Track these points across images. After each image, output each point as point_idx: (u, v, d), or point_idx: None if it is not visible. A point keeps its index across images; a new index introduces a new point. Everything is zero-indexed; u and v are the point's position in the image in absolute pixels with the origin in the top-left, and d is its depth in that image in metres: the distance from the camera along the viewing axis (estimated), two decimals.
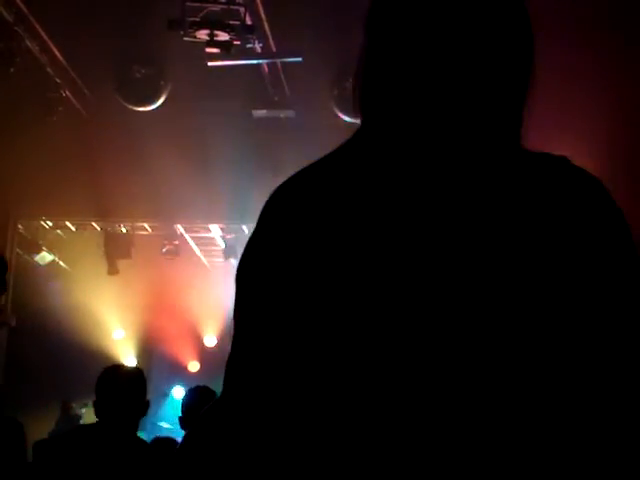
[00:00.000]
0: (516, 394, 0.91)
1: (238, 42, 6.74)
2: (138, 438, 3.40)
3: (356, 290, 0.94)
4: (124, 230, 10.45)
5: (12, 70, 7.31)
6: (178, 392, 12.10)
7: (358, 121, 1.07)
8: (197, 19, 6.63)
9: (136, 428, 3.37)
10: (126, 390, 3.31)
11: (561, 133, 6.93)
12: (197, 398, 4.08)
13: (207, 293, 10.89)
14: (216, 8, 6.68)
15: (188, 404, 4.14)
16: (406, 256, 0.94)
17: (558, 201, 0.96)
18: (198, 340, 12.13)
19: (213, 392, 4.13)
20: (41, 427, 8.27)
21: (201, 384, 4.35)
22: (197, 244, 11.15)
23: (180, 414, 4.24)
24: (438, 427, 0.90)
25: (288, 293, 0.98)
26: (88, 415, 9.00)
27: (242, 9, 6.66)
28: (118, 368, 3.64)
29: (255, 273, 1.02)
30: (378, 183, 0.99)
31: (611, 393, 0.92)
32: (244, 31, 6.69)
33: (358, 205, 0.98)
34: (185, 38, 6.69)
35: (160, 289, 10.95)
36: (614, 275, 0.95)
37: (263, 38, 7.14)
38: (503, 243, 0.94)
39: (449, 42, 0.99)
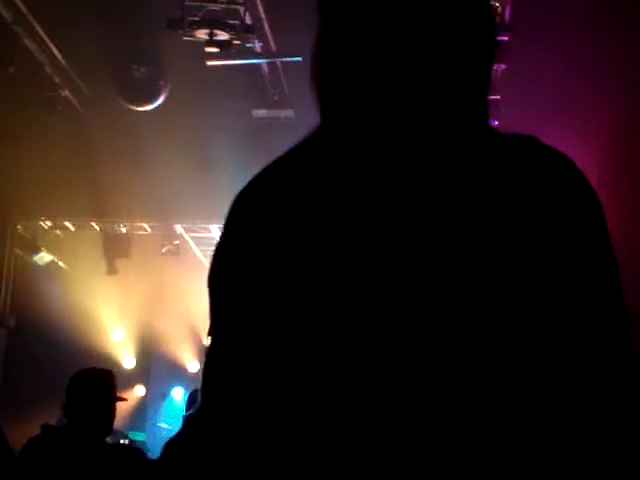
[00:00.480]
0: (494, 389, 0.89)
1: (238, 41, 6.74)
2: (104, 442, 3.40)
3: (330, 291, 0.92)
4: (123, 230, 10.43)
5: (11, 70, 7.31)
6: (178, 393, 12.10)
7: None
8: (196, 18, 6.63)
9: (107, 431, 3.37)
10: (94, 394, 3.34)
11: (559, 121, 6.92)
12: None
13: (207, 293, 10.84)
14: (216, 7, 6.68)
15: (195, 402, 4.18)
16: (378, 252, 0.91)
17: (528, 183, 0.93)
18: (198, 340, 12.11)
19: None
20: None
21: None
22: (197, 244, 11.14)
23: (184, 413, 4.29)
24: (418, 426, 0.88)
25: (259, 297, 0.96)
26: None
27: (242, 8, 6.65)
28: (88, 372, 3.61)
29: (225, 279, 1.01)
30: (344, 177, 0.96)
31: (595, 386, 0.91)
32: (244, 30, 6.69)
33: (324, 201, 0.95)
34: (184, 37, 6.69)
35: (160, 289, 10.94)
36: (589, 262, 0.93)
37: (263, 38, 7.13)
38: (473, 230, 0.91)
39: (406, 27, 0.97)
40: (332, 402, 0.90)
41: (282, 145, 1.04)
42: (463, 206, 0.92)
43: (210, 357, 1.01)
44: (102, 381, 3.47)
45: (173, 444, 2.97)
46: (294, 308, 0.93)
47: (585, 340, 0.91)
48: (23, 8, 7.06)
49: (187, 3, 6.57)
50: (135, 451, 3.48)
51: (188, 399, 4.56)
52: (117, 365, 10.78)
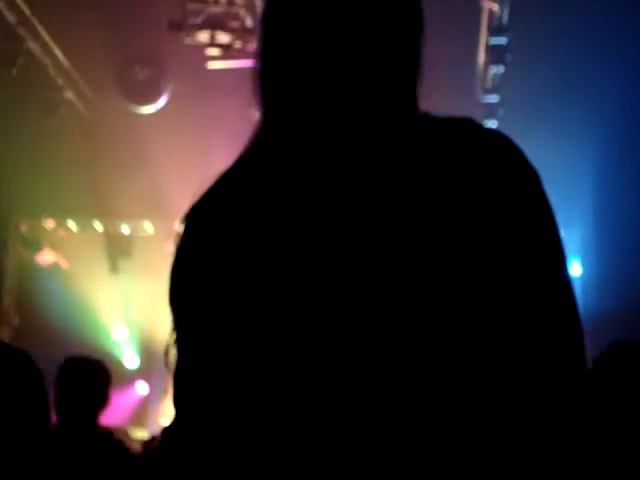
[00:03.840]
0: (419, 386, 0.88)
1: (239, 43, 6.77)
2: (99, 433, 3.19)
3: (278, 291, 0.92)
4: (126, 230, 10.48)
5: (14, 71, 7.35)
6: None
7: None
8: (198, 21, 6.67)
9: (94, 422, 3.16)
10: (85, 384, 3.13)
11: None
12: None
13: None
14: (217, 10, 6.71)
15: None
16: (319, 250, 0.92)
17: (463, 163, 0.91)
18: None
19: None
20: None
21: None
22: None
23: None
24: (362, 422, 0.88)
25: (215, 306, 0.98)
26: None
27: (242, 10, 6.69)
28: (78, 361, 3.31)
29: (183, 294, 1.04)
30: (286, 179, 0.98)
31: (527, 386, 0.89)
32: (245, 32, 6.72)
33: (269, 206, 0.97)
34: (186, 40, 6.73)
35: (161, 289, 10.95)
36: (529, 248, 0.90)
37: None
38: (409, 217, 0.90)
39: (337, 32, 1.00)
40: (293, 400, 0.91)
41: None
42: (398, 194, 0.91)
43: (177, 368, 1.02)
44: (93, 372, 3.20)
45: (153, 457, 2.89)
46: (248, 314, 0.94)
47: (530, 326, 0.89)
48: (26, 10, 7.11)
49: (188, 6, 6.61)
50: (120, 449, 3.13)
51: None
52: (120, 364, 10.83)
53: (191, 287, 1.03)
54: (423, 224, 0.90)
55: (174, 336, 1.04)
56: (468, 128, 0.96)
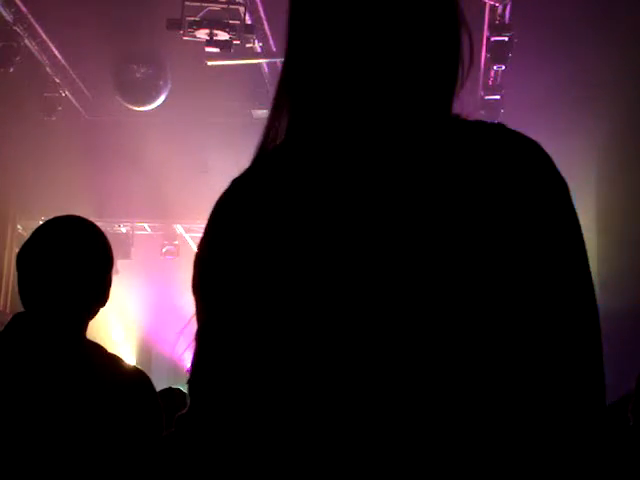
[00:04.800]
0: (430, 384, 0.87)
1: (238, 42, 6.75)
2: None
3: (300, 290, 0.92)
4: (124, 230, 10.45)
5: (11, 70, 7.32)
6: None
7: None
8: (196, 18, 6.64)
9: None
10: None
11: None
12: None
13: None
14: (216, 7, 6.69)
15: None
16: (343, 248, 0.91)
17: (492, 167, 0.91)
18: None
19: None
20: None
21: None
22: (197, 244, 11.14)
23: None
24: (353, 421, 0.88)
25: (239, 299, 0.97)
26: None
27: (242, 9, 6.67)
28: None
29: (207, 285, 1.03)
30: (312, 177, 0.97)
31: (541, 387, 0.87)
32: (244, 31, 6.70)
33: (294, 202, 0.96)
34: (185, 38, 6.70)
35: (160, 289, 10.97)
36: (553, 256, 0.90)
37: (263, 38, 7.14)
38: (434, 218, 0.89)
39: (370, 28, 0.98)
40: (306, 396, 0.90)
41: None
42: (425, 194, 0.91)
43: (196, 359, 1.02)
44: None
45: (166, 445, 2.90)
46: (271, 308, 0.94)
47: (549, 332, 0.88)
48: (23, 8, 7.08)
49: (187, 3, 6.58)
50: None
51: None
52: None
53: (213, 278, 1.02)
54: (448, 225, 0.89)
55: (196, 326, 1.03)
56: (500, 133, 0.95)
